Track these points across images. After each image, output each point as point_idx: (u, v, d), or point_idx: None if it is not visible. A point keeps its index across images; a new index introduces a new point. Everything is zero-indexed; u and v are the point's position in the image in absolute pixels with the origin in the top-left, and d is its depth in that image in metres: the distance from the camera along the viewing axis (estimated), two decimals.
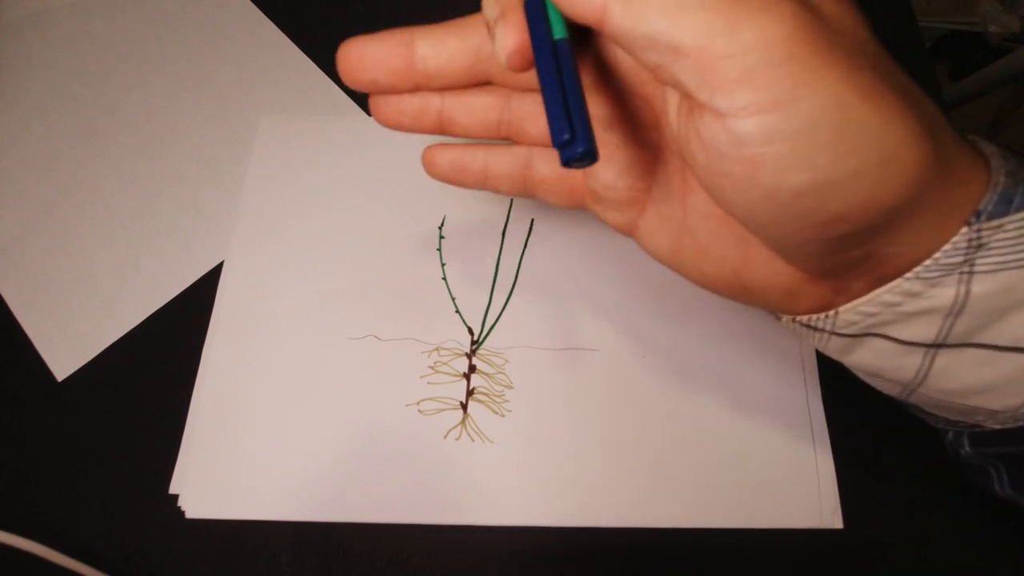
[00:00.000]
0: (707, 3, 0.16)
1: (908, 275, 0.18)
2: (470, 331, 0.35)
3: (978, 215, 0.17)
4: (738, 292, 0.23)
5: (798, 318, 0.22)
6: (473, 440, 0.32)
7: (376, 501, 0.31)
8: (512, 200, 0.38)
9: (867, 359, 0.21)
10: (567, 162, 0.18)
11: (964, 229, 0.17)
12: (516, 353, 0.34)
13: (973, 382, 0.19)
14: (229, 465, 0.32)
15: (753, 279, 0.21)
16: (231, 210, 0.38)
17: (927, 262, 0.17)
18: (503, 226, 0.37)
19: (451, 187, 0.38)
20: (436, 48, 0.23)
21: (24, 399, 0.34)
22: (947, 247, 0.17)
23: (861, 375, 0.23)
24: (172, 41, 0.44)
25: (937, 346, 0.19)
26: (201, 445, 0.32)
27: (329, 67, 0.43)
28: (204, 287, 0.36)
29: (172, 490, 0.32)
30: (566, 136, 0.18)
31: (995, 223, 0.17)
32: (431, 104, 0.23)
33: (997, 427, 0.21)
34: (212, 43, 0.44)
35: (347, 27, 0.45)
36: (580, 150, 0.18)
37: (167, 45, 0.44)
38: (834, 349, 0.22)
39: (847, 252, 0.18)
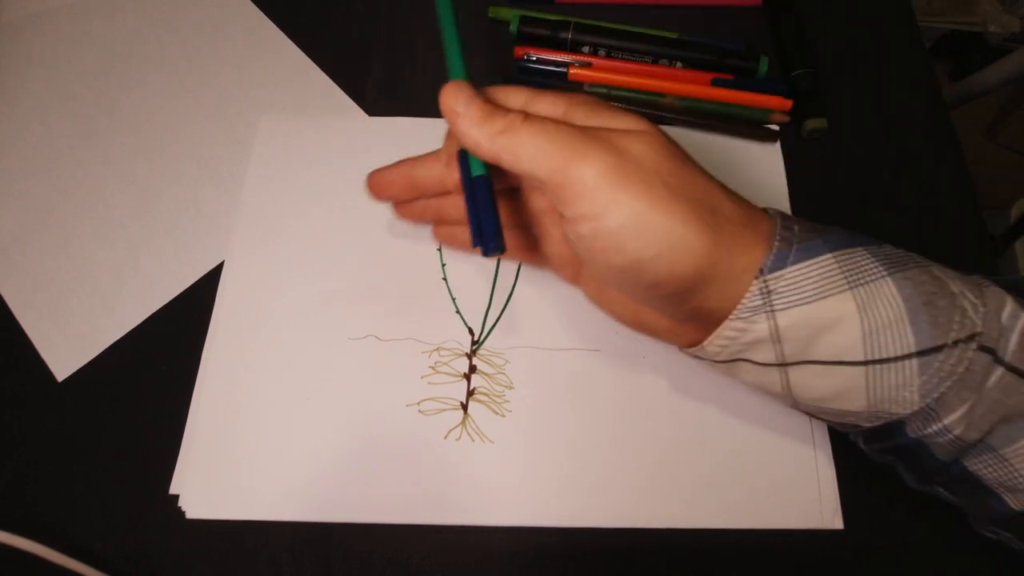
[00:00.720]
0: (552, 153, 0.25)
1: (730, 317, 0.25)
2: (470, 331, 0.35)
3: (762, 271, 0.24)
4: (641, 328, 0.30)
5: (684, 349, 0.29)
6: (473, 440, 0.32)
7: (376, 501, 0.31)
8: None
9: (747, 378, 0.28)
10: (485, 254, 0.27)
11: (755, 282, 0.24)
12: (516, 353, 0.34)
13: (824, 390, 0.25)
14: (229, 465, 0.32)
15: (646, 320, 0.29)
16: (231, 210, 0.38)
17: (737, 308, 0.25)
18: None
19: None
20: (427, 172, 0.32)
21: (24, 399, 0.34)
22: (746, 296, 0.24)
23: (756, 390, 0.29)
24: (172, 41, 0.44)
25: (782, 365, 0.25)
26: (201, 445, 0.32)
27: (329, 67, 0.43)
28: (204, 287, 0.36)
29: (172, 490, 0.32)
30: (477, 242, 0.27)
31: (776, 275, 0.24)
32: (430, 204, 0.33)
33: (868, 425, 0.26)
34: (212, 43, 0.44)
35: (347, 27, 0.45)
36: (487, 250, 0.26)
37: (167, 45, 0.44)
38: (721, 371, 0.28)
39: (681, 306, 0.26)
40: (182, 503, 0.31)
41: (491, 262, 0.36)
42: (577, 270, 0.32)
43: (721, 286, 0.25)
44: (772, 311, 0.24)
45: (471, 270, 0.36)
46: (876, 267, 0.24)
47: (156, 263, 0.37)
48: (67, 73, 0.43)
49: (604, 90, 0.41)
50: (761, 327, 0.25)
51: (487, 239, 0.27)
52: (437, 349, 0.34)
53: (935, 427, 0.24)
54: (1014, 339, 0.23)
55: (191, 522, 0.31)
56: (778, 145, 0.40)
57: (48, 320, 0.36)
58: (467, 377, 0.34)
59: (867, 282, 0.24)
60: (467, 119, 0.26)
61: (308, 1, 0.45)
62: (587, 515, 0.31)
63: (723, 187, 0.26)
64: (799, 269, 0.24)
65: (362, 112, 0.41)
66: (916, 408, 0.24)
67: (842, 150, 0.40)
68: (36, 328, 0.35)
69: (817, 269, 0.24)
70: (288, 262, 0.36)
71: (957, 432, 0.23)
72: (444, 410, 0.33)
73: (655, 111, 0.40)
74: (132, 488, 0.32)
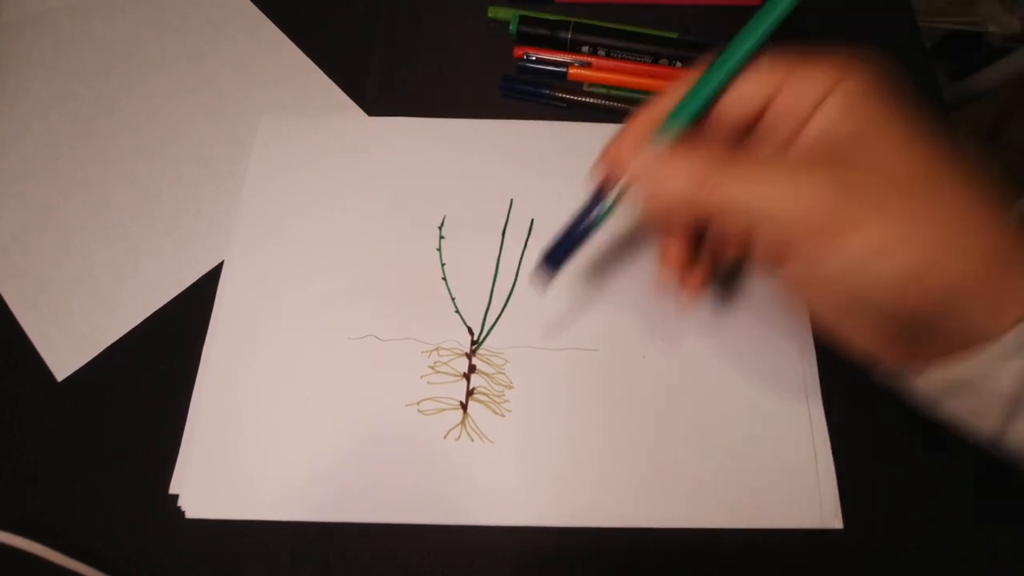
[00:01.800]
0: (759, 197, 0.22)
1: (967, 358, 0.21)
2: (470, 331, 0.35)
3: None
4: (835, 339, 0.26)
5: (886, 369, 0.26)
6: (473, 440, 0.32)
7: (376, 501, 0.31)
8: (512, 200, 0.38)
9: (947, 408, 0.24)
10: (535, 271, 0.30)
11: (1018, 326, 0.20)
12: (516, 353, 0.34)
13: None
14: (229, 465, 0.32)
15: (846, 335, 0.25)
16: (231, 210, 0.38)
17: (986, 349, 0.20)
18: (503, 226, 0.37)
19: (451, 187, 0.39)
20: None
21: (24, 399, 0.34)
22: (1002, 339, 0.20)
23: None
24: (172, 41, 0.44)
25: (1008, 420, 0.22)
26: (201, 445, 0.32)
27: (329, 67, 0.43)
28: (204, 287, 0.36)
29: (172, 490, 0.32)
30: (546, 261, 0.29)
31: None
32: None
33: None
34: (212, 43, 0.44)
35: (347, 27, 0.45)
36: (543, 272, 0.29)
37: (167, 45, 0.44)
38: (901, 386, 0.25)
39: (904, 331, 0.22)
40: (182, 503, 0.31)
41: (491, 262, 0.36)
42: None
43: (963, 319, 0.21)
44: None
45: (471, 270, 0.36)
46: None
47: (156, 263, 0.37)
48: (67, 73, 0.43)
49: (604, 90, 0.41)
50: (1002, 383, 0.20)
51: (554, 261, 0.27)
52: (437, 349, 0.34)
53: None
54: None
55: (191, 522, 0.31)
56: None
57: (48, 320, 0.36)
58: (467, 377, 0.34)
59: None
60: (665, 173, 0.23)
61: (308, 1, 0.45)
62: (587, 515, 0.31)
63: (984, 187, 0.21)
64: None
65: (362, 112, 0.41)
66: None
67: None
68: (36, 328, 0.35)
69: None
70: (288, 262, 0.36)
71: None
72: (444, 410, 0.33)
73: None
74: (132, 488, 0.32)
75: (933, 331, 0.22)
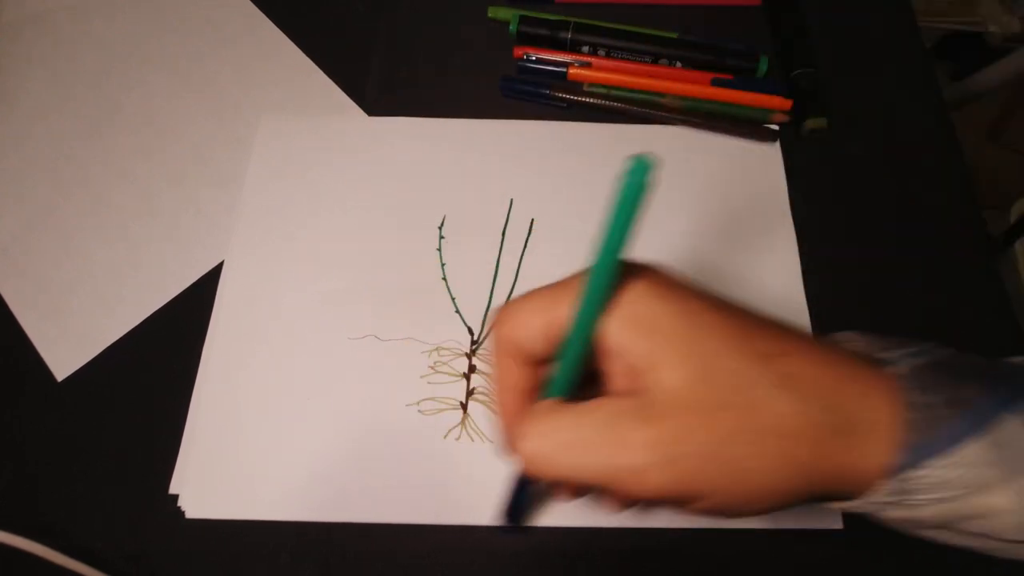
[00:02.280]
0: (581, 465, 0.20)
1: (855, 505, 0.21)
2: (470, 331, 0.35)
3: (893, 469, 0.20)
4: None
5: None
6: (473, 440, 0.32)
7: (376, 501, 0.31)
8: (512, 200, 0.38)
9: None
10: (501, 532, 0.30)
11: (887, 482, 0.20)
12: None
13: (961, 542, 0.23)
14: (229, 465, 0.32)
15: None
16: (231, 210, 0.38)
17: (866, 500, 0.21)
18: (503, 226, 0.37)
19: (451, 187, 0.39)
20: None
21: (24, 399, 0.34)
22: (877, 494, 0.20)
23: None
24: (172, 41, 0.44)
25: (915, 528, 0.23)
26: (201, 445, 0.32)
27: (329, 67, 0.43)
28: (204, 287, 0.36)
29: (172, 490, 0.32)
30: (504, 519, 0.27)
31: (908, 475, 0.20)
32: None
33: None
34: (212, 43, 0.44)
35: (347, 27, 0.45)
36: (506, 530, 0.29)
37: (167, 45, 0.44)
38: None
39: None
40: (182, 503, 0.31)
41: (491, 262, 0.36)
42: None
43: (838, 480, 0.21)
44: (911, 505, 0.20)
45: (471, 270, 0.36)
46: None
47: (156, 263, 0.37)
48: (67, 73, 0.43)
49: (604, 90, 0.41)
50: (895, 514, 0.21)
51: (512, 520, 0.28)
52: (437, 349, 0.34)
53: None
54: None
55: (191, 522, 0.31)
56: (778, 145, 0.40)
57: (48, 320, 0.36)
58: (467, 377, 0.34)
59: None
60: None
61: (308, 1, 0.45)
62: (587, 515, 0.31)
63: (804, 349, 0.20)
64: (940, 467, 0.19)
65: (362, 112, 0.41)
66: None
67: (842, 150, 0.40)
68: (36, 328, 0.35)
69: (964, 465, 0.19)
70: (288, 262, 0.36)
71: None
72: (444, 410, 0.33)
73: (655, 111, 0.40)
74: (132, 488, 0.32)
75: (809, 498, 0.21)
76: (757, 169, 0.39)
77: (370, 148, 0.40)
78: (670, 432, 0.19)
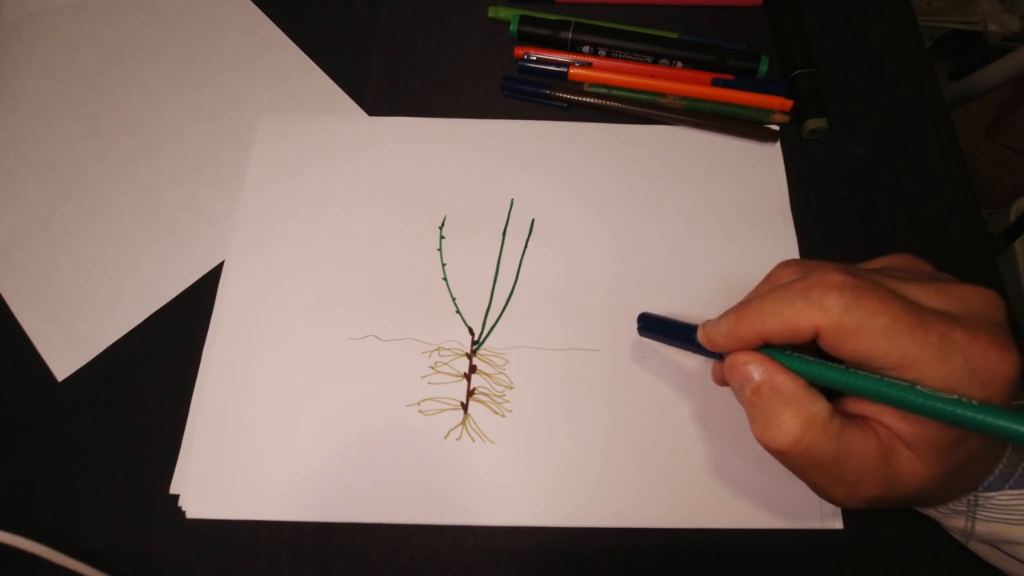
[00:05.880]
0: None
1: (930, 511, 0.26)
2: (470, 331, 0.35)
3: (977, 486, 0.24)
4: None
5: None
6: (473, 440, 0.32)
7: (376, 501, 0.31)
8: (512, 200, 0.38)
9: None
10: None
11: (965, 496, 0.24)
12: (516, 353, 0.34)
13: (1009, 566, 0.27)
14: (229, 465, 0.32)
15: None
16: (231, 210, 0.38)
17: (939, 508, 0.26)
18: (503, 226, 0.37)
19: (451, 187, 0.39)
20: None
21: (24, 399, 0.34)
22: (952, 503, 0.25)
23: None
24: (172, 41, 0.44)
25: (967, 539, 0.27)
26: (201, 445, 0.32)
27: (329, 67, 0.43)
28: (204, 287, 0.36)
29: (172, 490, 0.32)
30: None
31: (988, 494, 0.24)
32: None
33: None
34: (212, 43, 0.44)
35: (347, 27, 0.45)
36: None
37: (167, 45, 0.44)
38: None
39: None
40: (182, 503, 0.31)
41: (492, 262, 0.36)
42: None
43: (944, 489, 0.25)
44: (974, 518, 0.25)
45: (471, 270, 0.36)
46: None
47: (156, 263, 0.37)
48: (67, 73, 0.43)
49: (604, 90, 0.41)
50: (956, 522, 0.26)
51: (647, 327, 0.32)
52: (437, 349, 0.34)
53: None
54: None
55: (191, 522, 0.31)
56: (778, 145, 0.40)
57: (48, 320, 0.36)
58: (467, 377, 0.34)
59: None
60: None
61: (308, 1, 0.45)
62: (587, 515, 0.31)
63: None
64: (1010, 495, 0.24)
65: (362, 112, 0.41)
66: None
67: (842, 150, 0.40)
68: (36, 328, 0.35)
69: None
70: (288, 262, 0.36)
71: None
72: (444, 410, 0.33)
73: (655, 111, 0.40)
74: (132, 488, 0.32)
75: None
76: (757, 169, 0.39)
77: (370, 148, 0.40)
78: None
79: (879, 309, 0.21)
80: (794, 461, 0.23)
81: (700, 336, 0.27)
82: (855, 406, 0.24)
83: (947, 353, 0.21)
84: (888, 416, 0.23)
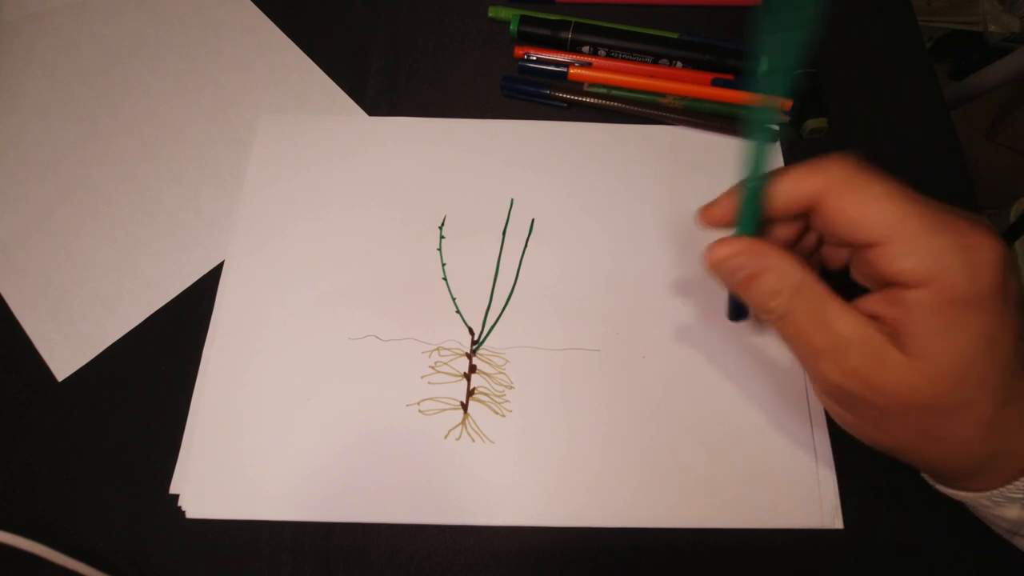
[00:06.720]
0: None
1: (982, 496, 0.24)
2: (470, 331, 0.35)
3: None
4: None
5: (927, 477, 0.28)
6: (473, 440, 0.32)
7: (376, 501, 0.31)
8: (512, 200, 0.38)
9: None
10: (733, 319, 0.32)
11: (1021, 479, 0.23)
12: (516, 353, 0.34)
13: None
14: (229, 465, 0.32)
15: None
16: (231, 210, 0.38)
17: (993, 492, 0.24)
18: (503, 226, 0.37)
19: (451, 187, 0.39)
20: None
21: (24, 399, 0.34)
22: (1007, 487, 0.24)
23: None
24: (172, 41, 0.44)
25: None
26: (201, 445, 0.32)
27: (329, 67, 0.43)
28: (204, 287, 0.36)
29: (172, 490, 0.32)
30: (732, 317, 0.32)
31: None
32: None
33: None
34: (212, 43, 0.44)
35: (347, 27, 0.45)
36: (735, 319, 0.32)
37: (167, 45, 0.44)
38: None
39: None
40: (182, 503, 0.31)
41: (492, 262, 0.36)
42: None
43: (991, 466, 0.24)
44: (1005, 505, 0.24)
45: (471, 270, 0.36)
46: None
47: (156, 263, 0.37)
48: (67, 73, 0.43)
49: (604, 90, 0.41)
50: (1009, 511, 0.24)
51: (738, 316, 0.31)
52: (437, 349, 0.34)
53: None
54: None
55: (191, 522, 0.31)
56: (778, 145, 0.40)
57: (48, 320, 0.36)
58: (467, 377, 0.34)
59: None
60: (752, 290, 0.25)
61: (308, 1, 0.45)
62: (587, 515, 0.31)
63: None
64: None
65: (362, 112, 0.41)
66: None
67: (842, 150, 0.40)
68: (36, 328, 0.35)
69: None
70: (288, 262, 0.36)
71: None
72: (444, 410, 0.33)
73: (655, 111, 0.40)
74: (132, 488, 0.32)
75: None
76: None
77: (370, 148, 0.40)
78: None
79: (879, 179, 0.23)
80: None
81: (703, 217, 0.28)
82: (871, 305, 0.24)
83: (940, 227, 0.21)
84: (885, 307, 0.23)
